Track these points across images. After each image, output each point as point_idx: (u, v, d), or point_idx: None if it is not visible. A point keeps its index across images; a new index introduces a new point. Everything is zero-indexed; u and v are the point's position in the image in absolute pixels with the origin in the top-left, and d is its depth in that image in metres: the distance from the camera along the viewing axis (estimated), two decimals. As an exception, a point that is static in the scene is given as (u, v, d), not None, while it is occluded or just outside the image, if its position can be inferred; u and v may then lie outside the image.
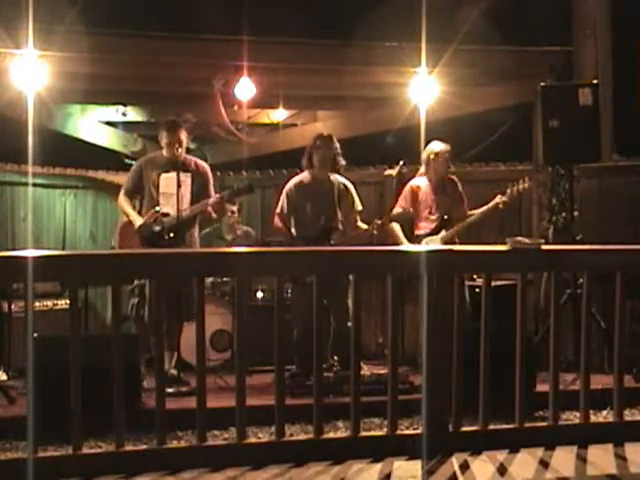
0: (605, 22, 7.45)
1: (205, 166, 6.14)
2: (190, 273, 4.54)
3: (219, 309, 6.74)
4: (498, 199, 6.27)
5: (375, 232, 6.02)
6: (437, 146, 6.46)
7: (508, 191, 6.27)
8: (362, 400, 4.25)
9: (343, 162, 6.13)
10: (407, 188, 6.49)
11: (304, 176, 6.20)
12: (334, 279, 5.60)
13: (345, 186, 6.20)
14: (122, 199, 6.02)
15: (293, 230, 6.13)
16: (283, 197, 6.17)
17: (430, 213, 6.42)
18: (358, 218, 6.21)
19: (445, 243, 6.24)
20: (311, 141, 6.17)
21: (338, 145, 6.12)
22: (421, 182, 6.50)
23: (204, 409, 4.10)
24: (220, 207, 5.98)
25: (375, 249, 5.06)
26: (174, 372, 5.74)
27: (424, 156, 6.48)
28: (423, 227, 6.42)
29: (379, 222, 6.04)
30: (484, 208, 6.34)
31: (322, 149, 6.07)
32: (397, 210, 6.40)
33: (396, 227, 6.37)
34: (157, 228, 5.82)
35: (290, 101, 8.06)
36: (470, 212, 6.46)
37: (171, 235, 5.75)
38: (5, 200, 7.71)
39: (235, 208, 7.26)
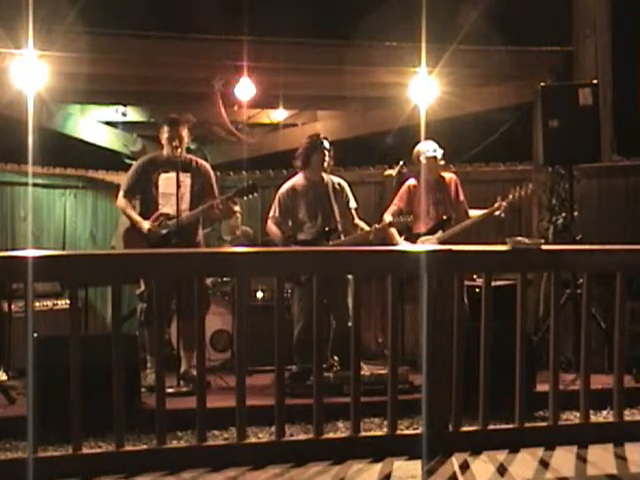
0: (605, 22, 7.46)
1: (206, 165, 6.13)
2: (190, 273, 4.53)
3: (219, 309, 6.73)
4: (499, 203, 6.24)
5: (372, 237, 6.04)
6: (423, 147, 6.44)
7: (510, 196, 6.22)
8: (362, 400, 4.25)
9: (332, 163, 6.16)
10: (404, 187, 6.48)
11: (298, 179, 6.17)
12: (336, 279, 5.59)
13: (340, 185, 6.21)
14: (123, 201, 6.00)
15: (290, 233, 6.12)
16: (276, 202, 6.15)
17: (427, 212, 6.41)
18: (355, 214, 6.21)
19: (441, 244, 6.22)
20: (307, 142, 6.13)
21: None
22: (417, 181, 6.50)
23: (204, 409, 4.10)
24: (226, 209, 5.99)
25: (375, 249, 5.05)
26: (194, 372, 5.67)
27: (413, 156, 6.47)
28: (420, 226, 6.41)
29: (378, 226, 6.05)
30: (482, 212, 6.30)
31: (325, 150, 6.06)
32: (392, 209, 6.41)
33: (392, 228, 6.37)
34: (164, 232, 5.83)
35: (290, 101, 8.07)
36: (470, 213, 6.44)
37: (177, 240, 5.74)
38: (5, 200, 7.71)
39: (238, 208, 7.26)
